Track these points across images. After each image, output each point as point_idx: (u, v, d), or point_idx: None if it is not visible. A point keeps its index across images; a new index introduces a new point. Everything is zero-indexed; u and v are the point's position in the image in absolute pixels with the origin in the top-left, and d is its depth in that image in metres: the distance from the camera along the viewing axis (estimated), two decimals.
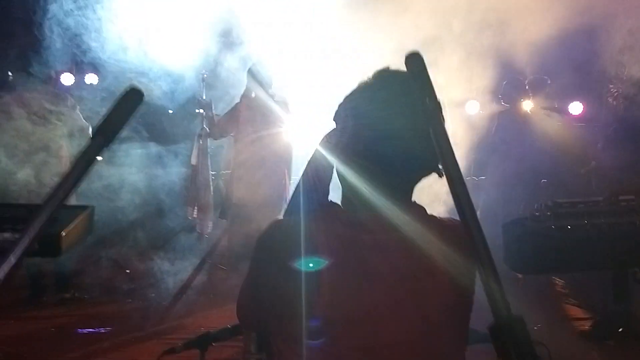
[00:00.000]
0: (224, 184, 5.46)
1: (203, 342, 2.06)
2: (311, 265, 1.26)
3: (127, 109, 0.79)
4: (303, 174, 1.48)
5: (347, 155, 1.34)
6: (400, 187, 1.34)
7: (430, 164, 1.30)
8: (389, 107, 1.27)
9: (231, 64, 5.10)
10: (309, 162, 1.47)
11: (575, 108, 8.51)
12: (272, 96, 5.06)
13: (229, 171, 5.57)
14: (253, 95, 5.10)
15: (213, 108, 5.25)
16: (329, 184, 1.45)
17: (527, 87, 6.03)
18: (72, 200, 4.60)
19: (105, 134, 0.77)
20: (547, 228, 2.44)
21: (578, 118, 8.30)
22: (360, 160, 1.30)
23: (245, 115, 5.12)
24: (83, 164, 0.76)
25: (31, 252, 1.77)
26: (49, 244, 1.83)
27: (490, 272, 0.73)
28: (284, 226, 1.38)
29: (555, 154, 5.48)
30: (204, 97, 5.32)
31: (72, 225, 1.93)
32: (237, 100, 5.27)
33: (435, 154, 1.30)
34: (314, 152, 1.46)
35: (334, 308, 1.25)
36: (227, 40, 5.00)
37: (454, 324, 1.30)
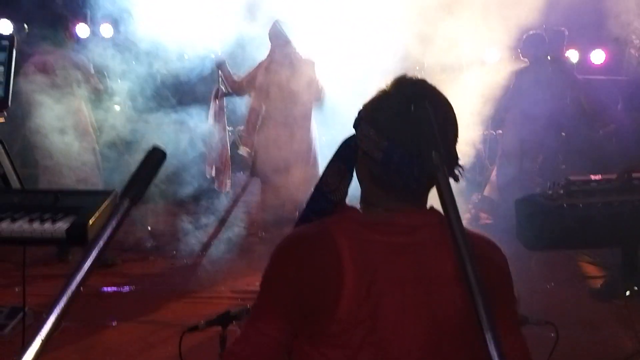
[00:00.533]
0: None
1: (224, 320, 2.17)
2: (334, 269, 1.33)
3: (151, 168, 0.84)
4: (322, 177, 1.53)
5: (365, 161, 1.41)
6: (416, 192, 1.40)
7: (451, 169, 1.37)
8: (406, 116, 1.31)
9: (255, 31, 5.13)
10: (328, 165, 1.53)
11: (598, 57, 8.32)
12: (295, 53, 5.10)
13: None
14: (276, 52, 5.15)
15: (227, 65, 5.28)
16: (347, 187, 1.51)
17: (546, 40, 5.94)
18: (96, 174, 4.71)
19: (132, 196, 0.83)
20: (559, 206, 2.48)
21: (600, 68, 8.13)
22: (378, 166, 1.36)
23: (265, 74, 5.16)
24: (113, 225, 0.82)
25: (59, 241, 1.87)
26: (76, 235, 1.91)
27: (491, 335, 0.78)
28: (302, 235, 1.45)
29: (575, 111, 5.45)
30: (219, 55, 5.34)
31: (97, 213, 2.01)
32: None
33: (450, 160, 1.35)
34: (333, 156, 1.52)
35: (353, 310, 1.31)
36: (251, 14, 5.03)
37: (467, 332, 1.33)
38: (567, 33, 6.23)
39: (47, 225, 1.92)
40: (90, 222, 1.95)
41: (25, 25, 9.23)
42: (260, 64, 5.26)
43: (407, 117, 1.29)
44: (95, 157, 4.95)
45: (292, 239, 1.45)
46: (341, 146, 1.50)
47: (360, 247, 1.35)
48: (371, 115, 1.40)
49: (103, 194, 2.16)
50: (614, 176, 2.58)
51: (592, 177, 2.61)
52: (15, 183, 2.28)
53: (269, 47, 5.21)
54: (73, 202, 2.08)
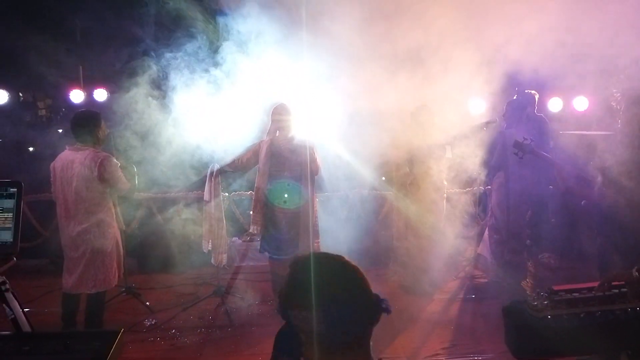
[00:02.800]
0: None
1: None
2: None
3: None
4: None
5: (311, 339, 1.56)
6: (365, 330, 1.57)
7: (375, 315, 1.56)
8: (315, 281, 1.55)
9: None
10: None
11: (581, 104, 8.55)
12: (293, 137, 5.35)
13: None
14: (277, 133, 5.35)
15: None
16: None
17: (523, 105, 6.17)
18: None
19: None
20: (543, 318, 2.61)
21: (584, 114, 8.32)
22: (325, 328, 1.53)
23: (267, 156, 5.35)
24: None
25: None
26: None
27: None
28: None
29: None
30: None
31: None
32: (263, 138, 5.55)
33: (371, 306, 1.55)
34: (273, 355, 1.70)
35: None
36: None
37: None
38: (537, 96, 6.42)
39: None
40: None
41: (20, 94, 9.44)
42: (261, 143, 5.44)
43: (318, 281, 1.54)
44: (117, 249, 4.89)
45: None
46: (277, 342, 1.64)
47: None
48: (290, 301, 1.59)
49: (110, 336, 2.26)
50: (595, 284, 2.71)
51: (575, 286, 2.75)
52: (25, 326, 2.38)
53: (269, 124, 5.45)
54: (83, 347, 2.19)
